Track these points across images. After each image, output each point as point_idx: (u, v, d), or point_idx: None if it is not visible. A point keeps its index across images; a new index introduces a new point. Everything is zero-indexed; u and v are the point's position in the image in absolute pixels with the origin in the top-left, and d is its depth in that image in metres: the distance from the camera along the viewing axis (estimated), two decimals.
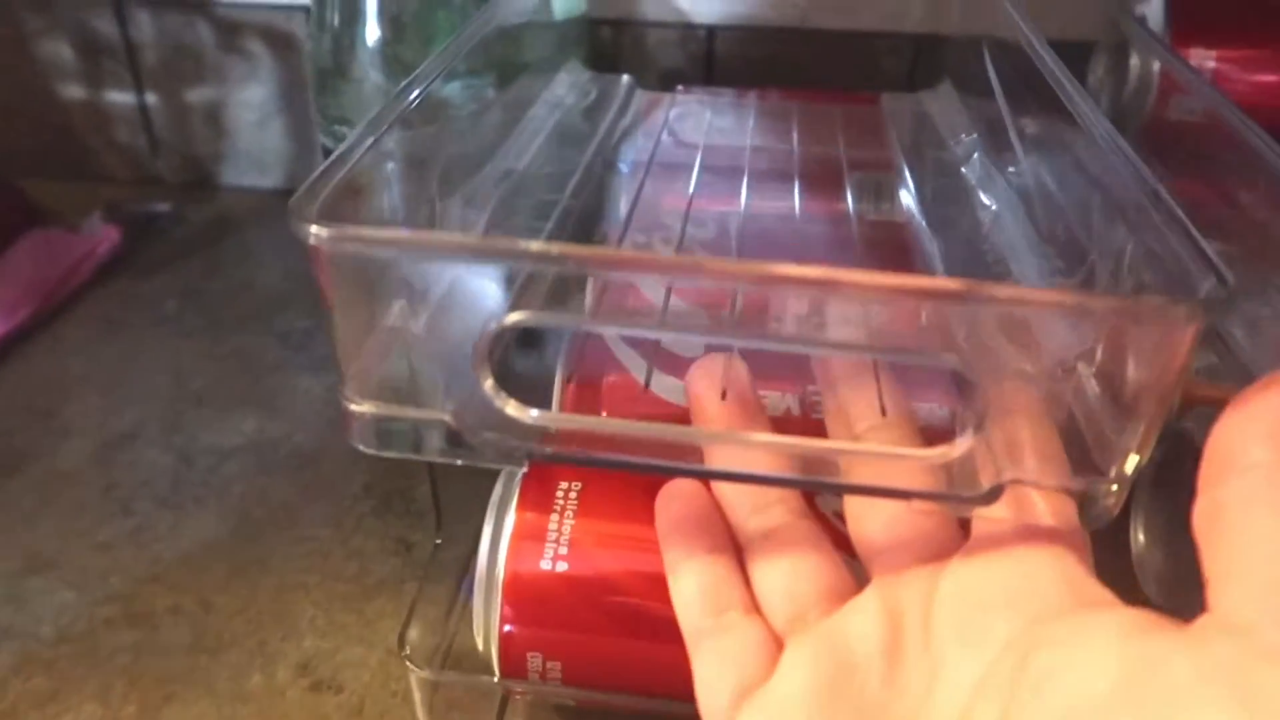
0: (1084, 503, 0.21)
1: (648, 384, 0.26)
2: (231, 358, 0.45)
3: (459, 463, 0.22)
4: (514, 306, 0.24)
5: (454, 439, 0.21)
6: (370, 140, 0.23)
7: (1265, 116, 0.40)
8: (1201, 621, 0.16)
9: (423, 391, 0.22)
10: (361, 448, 0.22)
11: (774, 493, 0.23)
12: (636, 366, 0.27)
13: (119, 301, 0.49)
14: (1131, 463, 0.20)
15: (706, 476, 0.23)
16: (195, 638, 0.31)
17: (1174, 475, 0.29)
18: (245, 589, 0.33)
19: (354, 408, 0.21)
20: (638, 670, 0.26)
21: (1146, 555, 0.30)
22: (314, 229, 0.19)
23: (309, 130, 0.57)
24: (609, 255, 0.18)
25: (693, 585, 0.22)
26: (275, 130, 0.57)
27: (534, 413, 0.21)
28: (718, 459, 0.21)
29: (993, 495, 0.20)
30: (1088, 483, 0.20)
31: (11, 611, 0.32)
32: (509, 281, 0.25)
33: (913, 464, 0.21)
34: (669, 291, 0.28)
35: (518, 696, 0.28)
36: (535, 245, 0.19)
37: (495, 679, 0.26)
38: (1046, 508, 0.20)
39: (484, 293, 0.25)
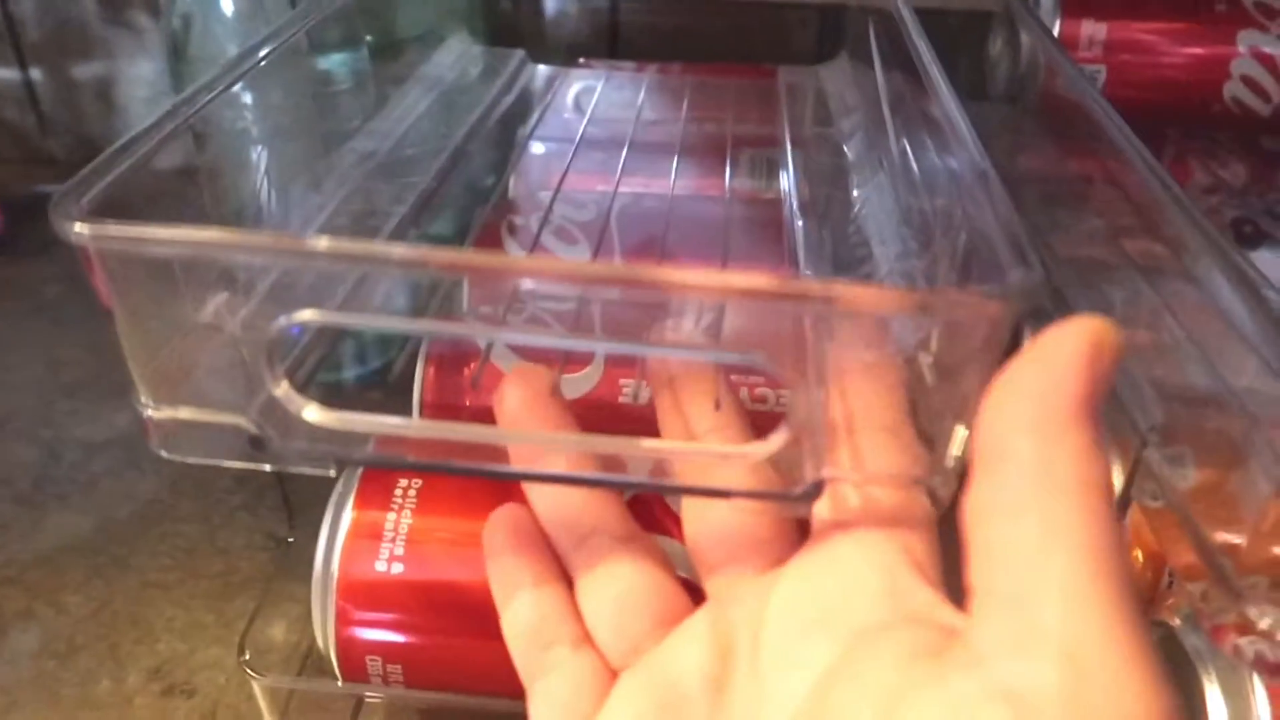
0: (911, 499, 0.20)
1: (487, 358, 0.25)
2: (110, 348, 0.43)
3: (266, 469, 0.21)
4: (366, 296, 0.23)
5: (258, 444, 0.20)
6: (172, 125, 0.22)
7: (1156, 89, 0.40)
8: (954, 648, 0.15)
9: (224, 394, 0.21)
10: (164, 454, 0.21)
11: (595, 519, 0.21)
12: (499, 356, 0.26)
13: (0, 287, 0.47)
14: (959, 449, 0.20)
15: (513, 478, 0.22)
16: (44, 642, 0.30)
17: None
18: (102, 590, 0.32)
19: (150, 413, 0.20)
20: (483, 670, 0.25)
21: None
22: (78, 227, 0.18)
23: None
24: (374, 252, 0.17)
25: (520, 620, 0.21)
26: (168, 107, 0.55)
27: (336, 416, 0.20)
28: (531, 461, 0.20)
29: (812, 493, 0.20)
30: (914, 475, 0.20)
31: None
32: (342, 276, 0.24)
33: (735, 462, 0.20)
34: (512, 291, 0.27)
35: (370, 700, 0.27)
36: (318, 242, 0.17)
37: (338, 684, 0.25)
38: (870, 505, 0.20)
39: (314, 286, 0.23)
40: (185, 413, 0.20)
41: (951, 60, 0.27)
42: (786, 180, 0.34)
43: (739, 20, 0.51)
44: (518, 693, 0.25)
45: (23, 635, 0.30)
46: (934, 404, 0.21)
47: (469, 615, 0.24)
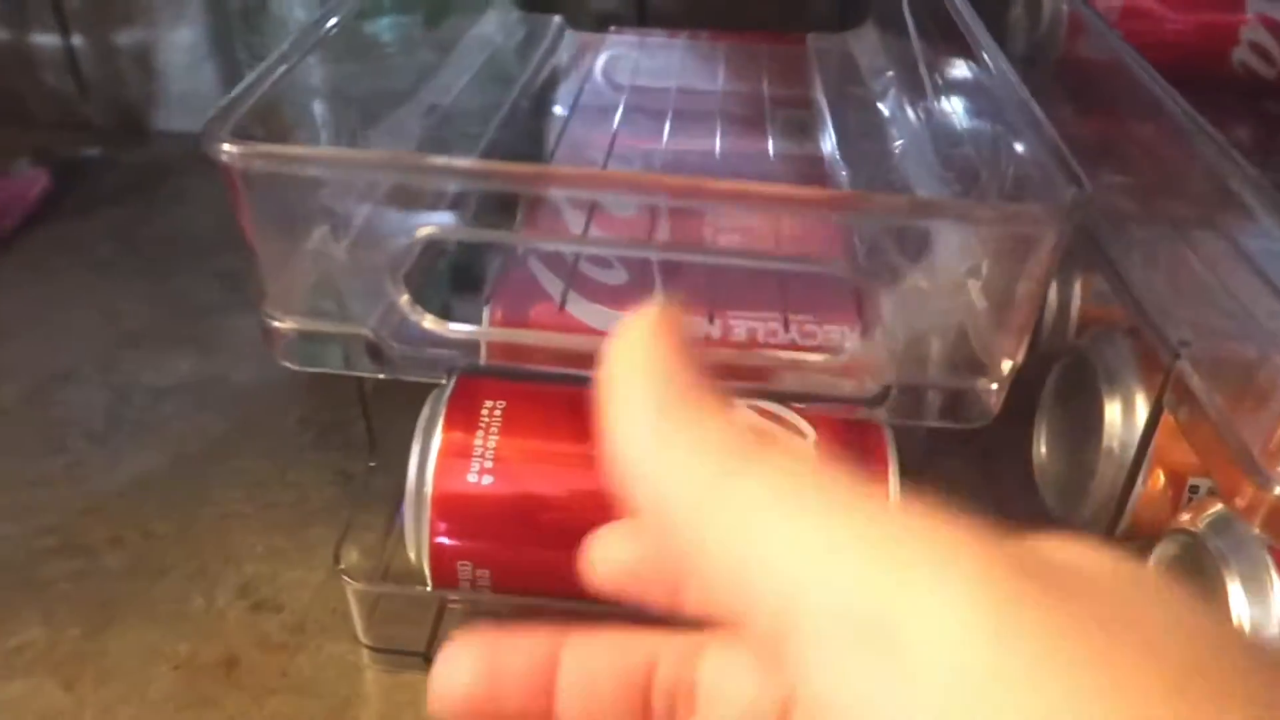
0: (967, 404, 0.22)
1: (563, 304, 0.27)
2: (167, 299, 0.45)
3: (381, 377, 0.23)
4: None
5: (375, 353, 0.22)
6: (284, 67, 0.24)
7: (1165, 52, 0.42)
8: None
9: (345, 308, 0.23)
10: (285, 363, 0.23)
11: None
12: (555, 288, 0.28)
13: (51, 246, 0.48)
14: (1007, 365, 0.22)
15: None
16: (135, 564, 0.32)
17: (1070, 392, 0.31)
18: (183, 519, 0.34)
19: (276, 324, 0.22)
20: (561, 575, 0.27)
21: (1047, 465, 0.33)
22: (226, 147, 0.19)
23: (242, 74, 0.56)
24: (524, 171, 0.19)
25: None
26: (208, 73, 0.56)
27: (451, 326, 0.22)
28: None
29: (881, 397, 0.22)
30: (968, 384, 0.22)
31: None
32: (431, 210, 0.26)
33: (814, 368, 0.22)
34: (589, 216, 0.29)
35: (452, 607, 0.30)
36: (445, 160, 0.19)
37: (428, 589, 0.27)
38: (931, 409, 0.22)
39: (405, 219, 0.25)
40: (310, 324, 0.22)
41: None
42: (825, 138, 0.37)
43: None
44: (592, 595, 0.27)
45: (113, 558, 0.32)
46: (982, 326, 0.23)
47: (550, 526, 0.26)
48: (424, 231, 0.20)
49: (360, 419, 0.38)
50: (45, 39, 0.56)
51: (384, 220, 0.25)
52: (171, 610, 0.31)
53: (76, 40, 0.56)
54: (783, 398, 0.23)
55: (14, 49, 0.56)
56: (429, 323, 0.21)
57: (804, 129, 0.38)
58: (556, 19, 0.46)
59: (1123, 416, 0.28)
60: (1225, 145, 0.25)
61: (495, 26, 0.43)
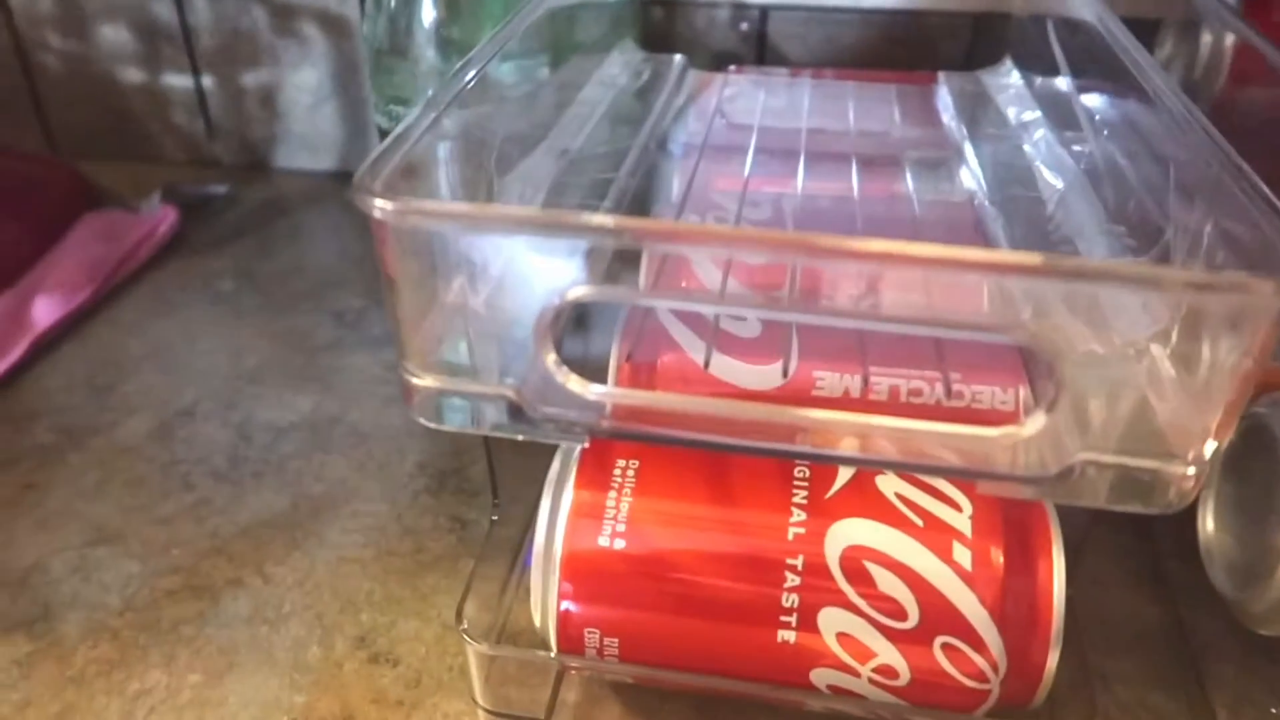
0: (1159, 487, 0.20)
1: (707, 364, 0.25)
2: (287, 336, 0.45)
3: (519, 438, 0.22)
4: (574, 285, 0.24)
5: (515, 414, 0.21)
6: (429, 120, 0.23)
7: None
8: None
9: (483, 366, 0.22)
10: (422, 421, 0.22)
11: None
12: (694, 346, 0.27)
13: (176, 281, 0.49)
14: (1210, 447, 0.20)
15: (767, 454, 0.23)
16: (255, 609, 0.32)
17: (1245, 461, 0.28)
18: (303, 562, 0.33)
19: (416, 381, 0.21)
20: (693, 648, 0.26)
21: (1215, 542, 0.30)
22: (379, 203, 0.19)
23: (361, 113, 0.57)
24: (674, 228, 0.18)
25: None
26: (328, 113, 0.57)
27: (595, 388, 0.21)
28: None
29: (1064, 476, 0.20)
30: (1162, 465, 0.20)
31: (78, 582, 0.33)
32: (566, 261, 0.25)
33: (981, 444, 0.21)
34: (726, 272, 0.28)
35: (573, 672, 0.28)
36: (597, 218, 0.19)
37: (552, 655, 0.26)
38: (1120, 489, 0.20)
39: (542, 270, 0.25)
40: (450, 381, 0.21)
41: None
42: (968, 179, 0.35)
43: (887, 31, 0.51)
44: (724, 671, 0.26)
45: (234, 601, 0.32)
46: (1174, 400, 0.21)
47: (685, 594, 0.25)
48: (575, 293, 0.19)
49: (473, 465, 0.38)
50: (177, 80, 0.58)
51: (522, 270, 0.24)
52: (289, 659, 0.30)
53: (206, 81, 0.57)
54: (948, 473, 0.21)
55: (147, 90, 0.58)
56: (574, 385, 0.20)
57: (943, 171, 0.37)
58: (679, 58, 0.45)
59: None
60: None
61: (619, 67, 0.42)
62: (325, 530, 0.35)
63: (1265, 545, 0.27)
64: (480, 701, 0.28)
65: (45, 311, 0.45)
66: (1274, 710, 0.25)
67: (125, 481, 0.37)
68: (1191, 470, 0.20)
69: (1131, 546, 0.33)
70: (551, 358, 0.20)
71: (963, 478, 0.21)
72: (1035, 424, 0.19)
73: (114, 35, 0.57)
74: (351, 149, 0.58)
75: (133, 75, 0.58)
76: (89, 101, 0.59)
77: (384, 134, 0.39)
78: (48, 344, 0.44)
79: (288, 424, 0.40)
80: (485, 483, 0.36)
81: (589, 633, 0.26)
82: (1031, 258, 0.18)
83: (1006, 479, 0.20)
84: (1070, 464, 0.20)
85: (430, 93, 0.26)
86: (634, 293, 0.25)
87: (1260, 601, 0.27)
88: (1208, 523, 0.30)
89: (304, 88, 0.57)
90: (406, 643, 0.31)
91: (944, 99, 0.42)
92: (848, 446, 0.21)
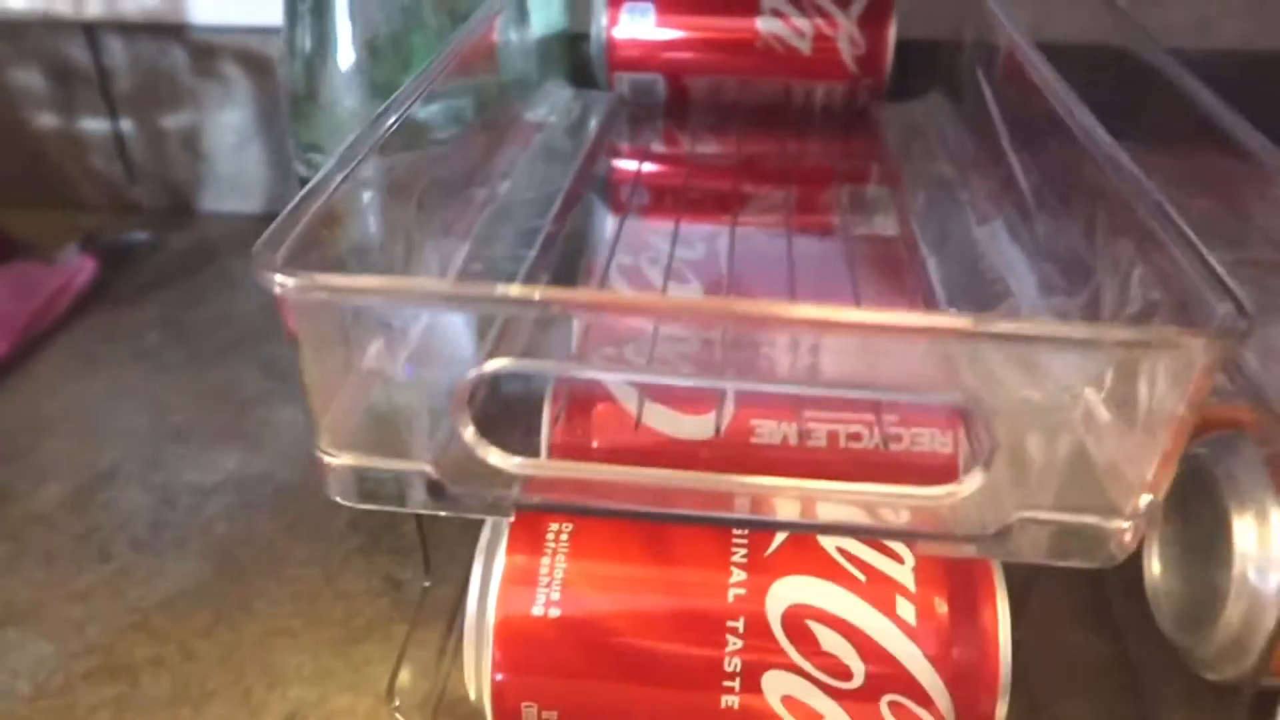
0: (1098, 541, 0.20)
1: (638, 421, 0.25)
2: (213, 391, 0.43)
3: (442, 515, 0.21)
4: (497, 344, 0.23)
5: (436, 490, 0.20)
6: (345, 171, 0.22)
7: None
8: None
9: (402, 440, 0.21)
10: (340, 500, 0.21)
11: None
12: (627, 397, 0.26)
13: (97, 335, 0.47)
14: (1145, 500, 0.19)
15: (698, 522, 0.22)
16: (178, 689, 0.30)
17: (1188, 503, 0.28)
18: (229, 636, 0.32)
19: (329, 460, 0.20)
20: (637, 715, 0.25)
21: (1161, 586, 0.29)
22: (279, 278, 0.18)
23: (289, 154, 0.56)
24: (596, 299, 0.17)
25: None
26: (254, 154, 0.56)
27: (518, 461, 0.20)
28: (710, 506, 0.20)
29: (1003, 535, 0.19)
30: (1101, 520, 0.19)
31: None
32: (489, 320, 0.24)
33: (923, 504, 0.20)
34: (657, 325, 0.27)
35: None
36: (513, 289, 0.18)
37: None
38: (1061, 546, 0.20)
39: (464, 334, 0.24)
40: (365, 460, 0.20)
41: None
42: (899, 218, 0.34)
43: None
44: None
45: (155, 682, 0.30)
46: (1110, 449, 0.21)
47: (625, 659, 0.24)
48: (492, 365, 0.18)
49: (407, 520, 0.36)
50: (94, 124, 0.56)
51: (443, 333, 0.23)
52: None
53: (125, 124, 0.56)
54: (885, 535, 0.20)
55: (63, 134, 0.56)
56: (495, 459, 0.19)
57: (877, 206, 0.36)
58: (609, 94, 0.44)
59: (1257, 536, 0.25)
60: None
61: (549, 106, 0.41)
62: (253, 599, 0.33)
63: (1210, 589, 0.26)
64: None
65: None
66: None
67: (38, 554, 0.35)
68: (1129, 524, 0.19)
69: (1079, 584, 0.33)
70: (470, 431, 0.19)
71: (902, 539, 0.20)
72: (973, 482, 0.19)
73: (25, 78, 0.55)
74: (279, 190, 0.57)
75: (47, 120, 0.56)
76: (1, 147, 0.57)
77: (303, 182, 0.37)
78: None
79: (213, 485, 0.38)
80: (415, 541, 0.35)
81: (526, 706, 0.24)
82: (963, 321, 0.17)
83: (946, 538, 0.20)
84: (1008, 522, 0.19)
85: (348, 141, 0.25)
86: (554, 365, 0.24)
87: (1207, 646, 0.27)
88: (1154, 566, 0.30)
89: (228, 128, 0.55)
90: (339, 719, 0.29)
91: (879, 131, 0.42)
92: (784, 510, 0.21)
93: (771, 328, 0.18)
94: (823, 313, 0.17)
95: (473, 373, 0.19)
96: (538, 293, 0.17)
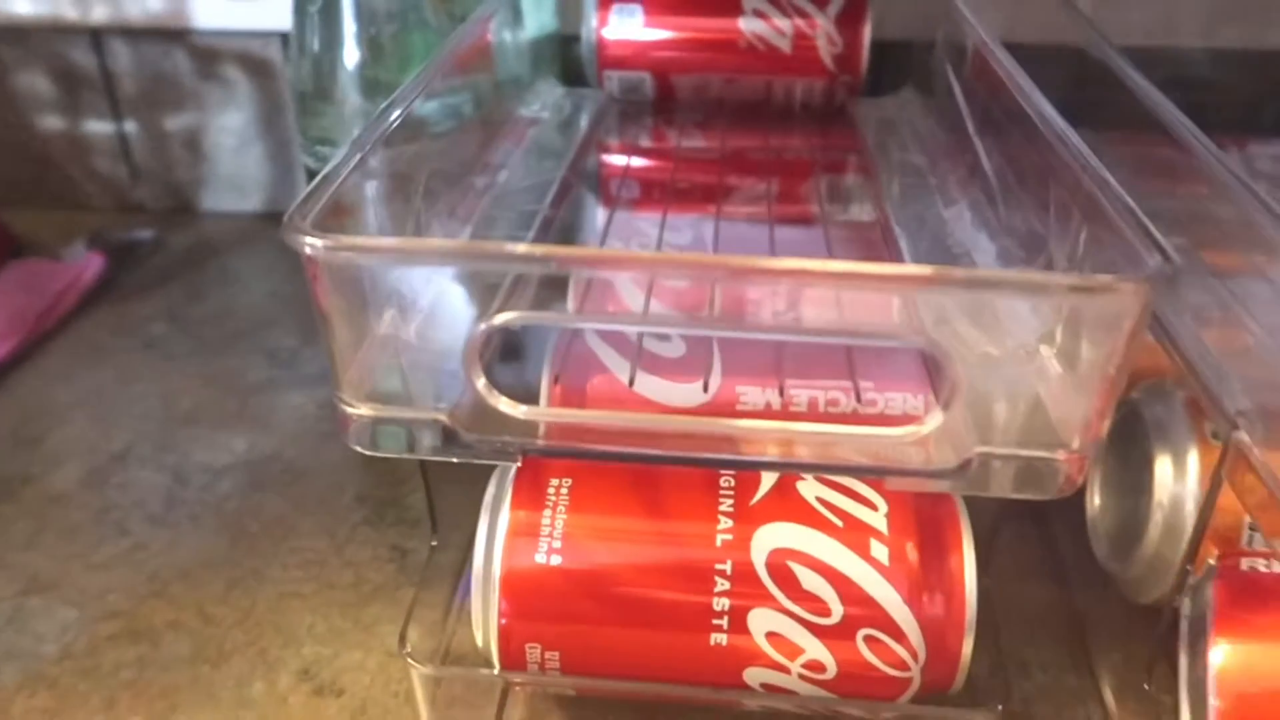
0: (1050, 474, 0.22)
1: (631, 383, 0.27)
2: (220, 378, 0.45)
3: (454, 461, 0.23)
4: (501, 311, 0.25)
5: (449, 437, 0.22)
6: (356, 159, 0.24)
7: None
8: None
9: (416, 393, 0.23)
10: (358, 448, 0.23)
11: None
12: (619, 367, 0.28)
13: (105, 328, 0.49)
14: (1092, 433, 0.21)
15: (692, 464, 0.24)
16: (196, 650, 0.32)
17: (1123, 444, 0.31)
18: (243, 600, 0.34)
19: (350, 410, 0.22)
20: (631, 657, 0.27)
21: (1099, 517, 0.32)
22: (309, 240, 0.20)
23: (288, 154, 0.58)
24: (598, 255, 0.19)
25: None
26: (254, 155, 0.58)
27: (525, 409, 0.22)
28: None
29: (964, 469, 0.22)
30: (1052, 454, 0.21)
31: (14, 633, 0.32)
32: (493, 290, 0.26)
33: (887, 443, 0.22)
34: (649, 294, 0.29)
35: (518, 689, 0.29)
36: (523, 247, 0.20)
37: (495, 671, 0.27)
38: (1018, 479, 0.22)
39: (470, 300, 0.26)
40: (385, 410, 0.22)
41: None
42: (876, 203, 0.37)
43: None
44: (664, 677, 0.27)
45: (175, 644, 0.32)
46: (1060, 395, 0.23)
47: (622, 604, 0.26)
48: (502, 318, 0.20)
49: (412, 494, 0.38)
50: (98, 126, 0.57)
51: (451, 301, 0.25)
52: (233, 696, 0.30)
53: (129, 126, 0.57)
54: (858, 472, 0.22)
55: (69, 137, 0.58)
56: (505, 406, 0.21)
57: (854, 194, 0.39)
58: (599, 93, 0.46)
59: (1174, 474, 0.28)
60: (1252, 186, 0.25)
61: (542, 103, 0.43)
62: (265, 567, 0.35)
63: (1136, 518, 0.29)
64: None
65: None
66: (1146, 686, 0.27)
67: (58, 530, 0.37)
68: (1076, 457, 0.21)
69: (1035, 541, 0.35)
70: (482, 381, 0.21)
71: (873, 475, 0.22)
72: (934, 421, 0.21)
73: (32, 82, 0.57)
74: (279, 190, 0.59)
75: (53, 122, 0.58)
76: (9, 149, 0.58)
77: (312, 175, 0.39)
78: None
79: (223, 465, 0.40)
80: (424, 511, 0.37)
81: (530, 648, 0.26)
82: (924, 270, 0.19)
83: (913, 474, 0.22)
84: (968, 457, 0.21)
85: (356, 133, 0.27)
86: (559, 316, 0.26)
87: (1133, 569, 0.29)
88: (1094, 500, 0.32)
89: (229, 130, 0.57)
90: (350, 673, 0.31)
91: (856, 125, 0.44)
92: (767, 452, 0.23)
93: (756, 279, 0.20)
94: (802, 264, 0.19)
95: (483, 324, 0.20)
96: (542, 249, 0.19)
